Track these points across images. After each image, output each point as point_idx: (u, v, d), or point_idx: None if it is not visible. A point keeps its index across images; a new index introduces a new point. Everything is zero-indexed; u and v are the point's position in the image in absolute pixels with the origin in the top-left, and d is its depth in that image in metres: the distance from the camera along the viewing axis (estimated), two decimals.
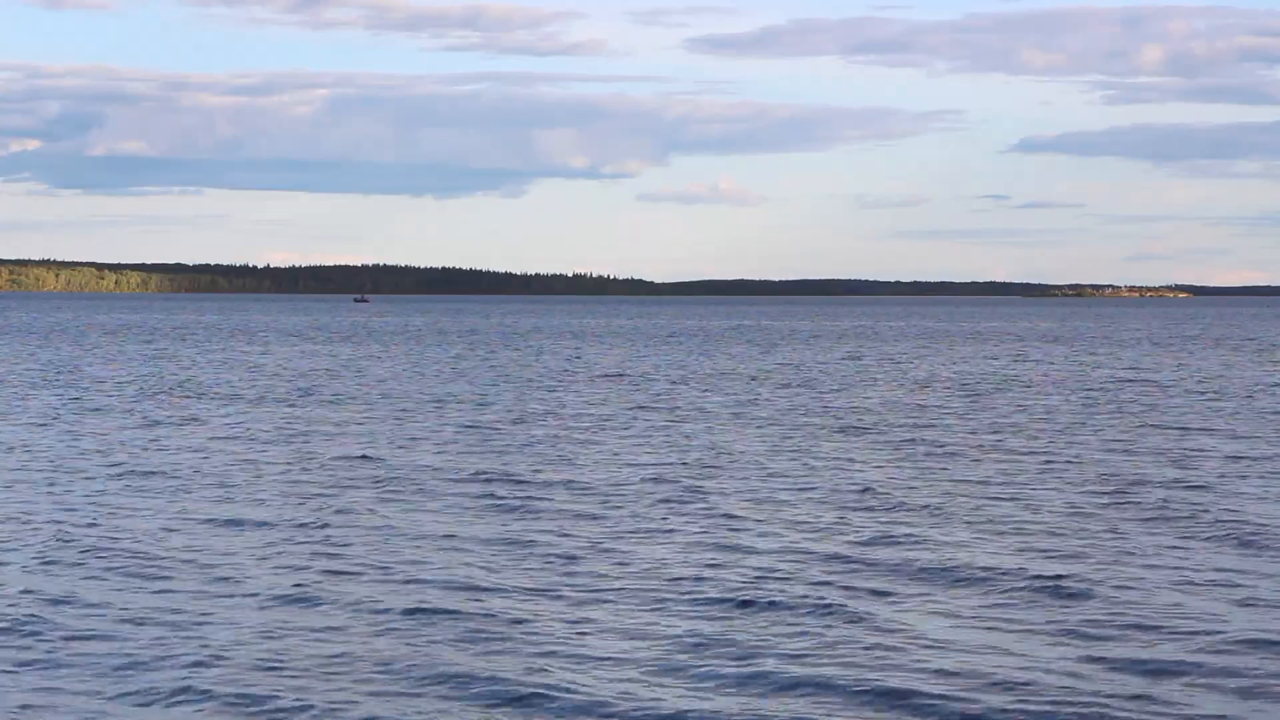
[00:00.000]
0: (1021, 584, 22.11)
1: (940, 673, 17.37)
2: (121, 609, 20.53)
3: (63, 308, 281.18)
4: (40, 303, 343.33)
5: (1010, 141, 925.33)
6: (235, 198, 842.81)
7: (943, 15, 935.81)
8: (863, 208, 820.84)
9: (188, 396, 59.55)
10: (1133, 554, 24.55)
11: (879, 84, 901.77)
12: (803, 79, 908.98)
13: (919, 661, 17.89)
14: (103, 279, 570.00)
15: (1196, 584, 22.21)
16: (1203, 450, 40.13)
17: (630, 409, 54.06)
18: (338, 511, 28.97)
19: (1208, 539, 26.08)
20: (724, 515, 28.59)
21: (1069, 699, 16.42)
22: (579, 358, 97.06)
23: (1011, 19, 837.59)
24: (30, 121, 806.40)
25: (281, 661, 17.92)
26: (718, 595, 21.42)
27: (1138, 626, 19.52)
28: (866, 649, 18.45)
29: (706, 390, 64.85)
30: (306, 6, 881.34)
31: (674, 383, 70.20)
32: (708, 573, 22.97)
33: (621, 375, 76.87)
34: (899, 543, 25.57)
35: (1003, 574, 22.76)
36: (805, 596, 21.19)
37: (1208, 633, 19.21)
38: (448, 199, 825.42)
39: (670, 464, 36.92)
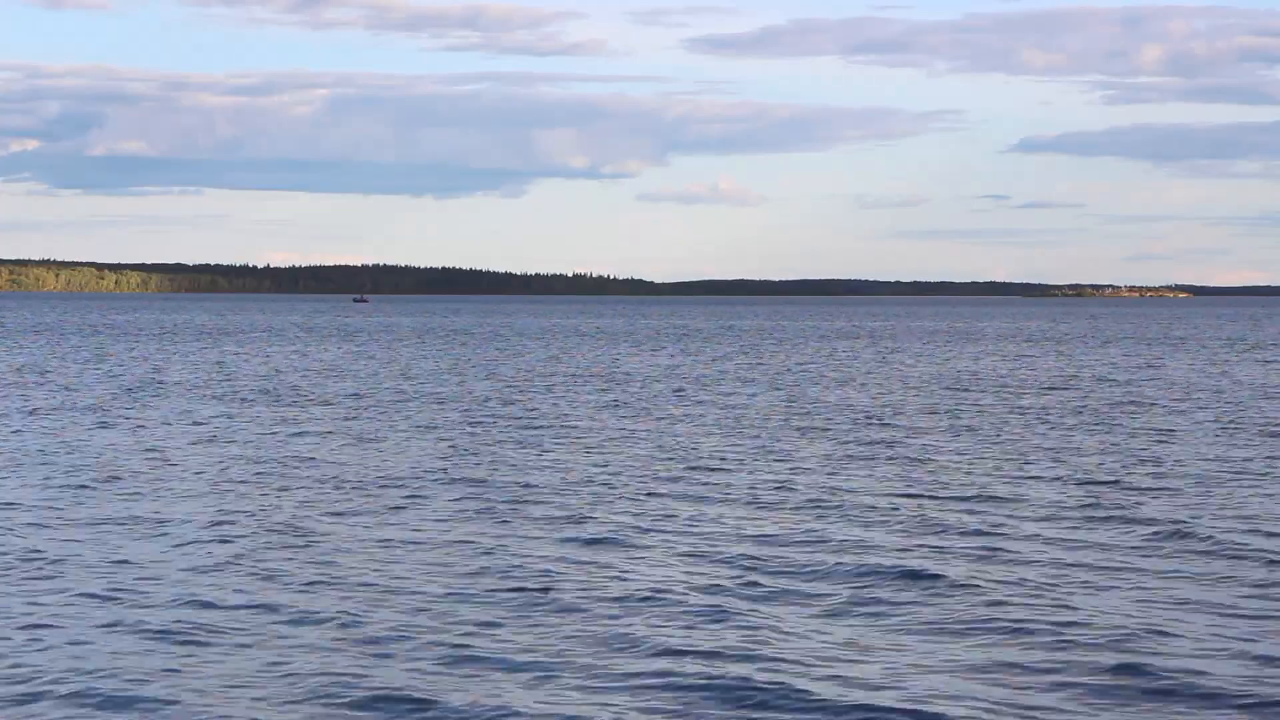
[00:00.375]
0: (943, 586, 21.99)
1: (837, 678, 17.26)
2: (23, 615, 20.32)
3: (57, 308, 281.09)
4: (39, 303, 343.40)
5: (1010, 141, 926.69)
6: (235, 198, 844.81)
7: (943, 15, 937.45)
8: (863, 208, 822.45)
9: (145, 396, 59.38)
10: (1058, 555, 24.43)
11: (879, 84, 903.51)
12: (803, 79, 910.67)
13: (818, 664, 17.76)
14: (103, 279, 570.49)
15: (1112, 585, 22.10)
16: (1147, 451, 40.03)
17: (599, 409, 53.89)
18: (264, 514, 28.78)
19: (1137, 539, 25.96)
20: (663, 517, 28.46)
21: (980, 705, 16.34)
22: (558, 358, 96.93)
23: (1011, 19, 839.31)
24: (30, 121, 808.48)
25: (182, 672, 17.71)
26: (622, 594, 21.34)
27: (1046, 625, 19.42)
28: (767, 651, 18.33)
29: (678, 390, 64.73)
30: (306, 6, 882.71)
31: (644, 383, 70.09)
32: (623, 573, 22.85)
33: (594, 375, 76.75)
34: (828, 545, 25.39)
35: (929, 577, 22.61)
36: (717, 599, 21.09)
37: (1116, 629, 19.12)
38: (448, 199, 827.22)
39: (618, 465, 36.77)
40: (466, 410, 53.30)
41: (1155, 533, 26.61)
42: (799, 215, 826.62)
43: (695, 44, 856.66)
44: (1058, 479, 34.13)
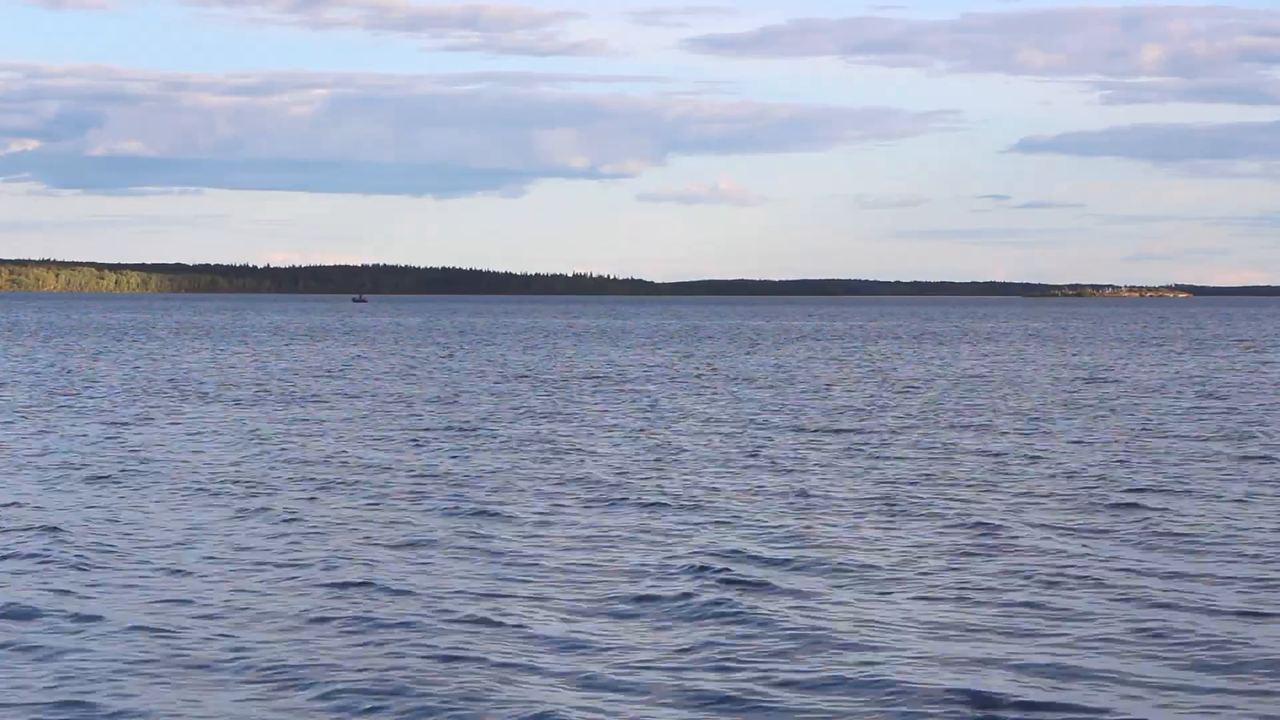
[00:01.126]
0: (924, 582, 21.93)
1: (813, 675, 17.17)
2: None
3: (44, 308, 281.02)
4: (37, 302, 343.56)
5: (1010, 141, 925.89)
6: (235, 198, 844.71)
7: (942, 15, 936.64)
8: (863, 208, 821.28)
9: (62, 396, 59.31)
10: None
11: (879, 84, 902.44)
12: (803, 79, 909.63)
13: (781, 663, 17.63)
14: (103, 279, 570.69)
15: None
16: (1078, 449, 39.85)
17: (523, 409, 53.68)
18: (99, 513, 28.59)
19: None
20: (579, 519, 28.22)
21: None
22: (500, 360, 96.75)
23: (1011, 19, 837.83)
24: (30, 121, 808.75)
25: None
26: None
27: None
28: (733, 649, 18.31)
29: (631, 391, 64.58)
30: (306, 6, 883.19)
31: (584, 382, 69.89)
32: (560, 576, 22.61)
33: (527, 376, 76.57)
34: (791, 541, 25.43)
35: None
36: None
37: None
38: (448, 199, 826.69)
39: (537, 466, 36.49)
40: (383, 410, 53.11)
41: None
42: (799, 215, 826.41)
43: (695, 44, 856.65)
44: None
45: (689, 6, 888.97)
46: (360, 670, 17.49)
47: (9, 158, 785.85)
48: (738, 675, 17.36)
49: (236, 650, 18.39)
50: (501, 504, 29.95)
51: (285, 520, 27.97)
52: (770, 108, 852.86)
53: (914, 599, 21.30)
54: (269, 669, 17.62)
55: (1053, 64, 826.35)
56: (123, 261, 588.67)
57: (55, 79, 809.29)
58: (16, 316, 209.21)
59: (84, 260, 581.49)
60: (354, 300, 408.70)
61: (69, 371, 77.80)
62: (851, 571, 23.16)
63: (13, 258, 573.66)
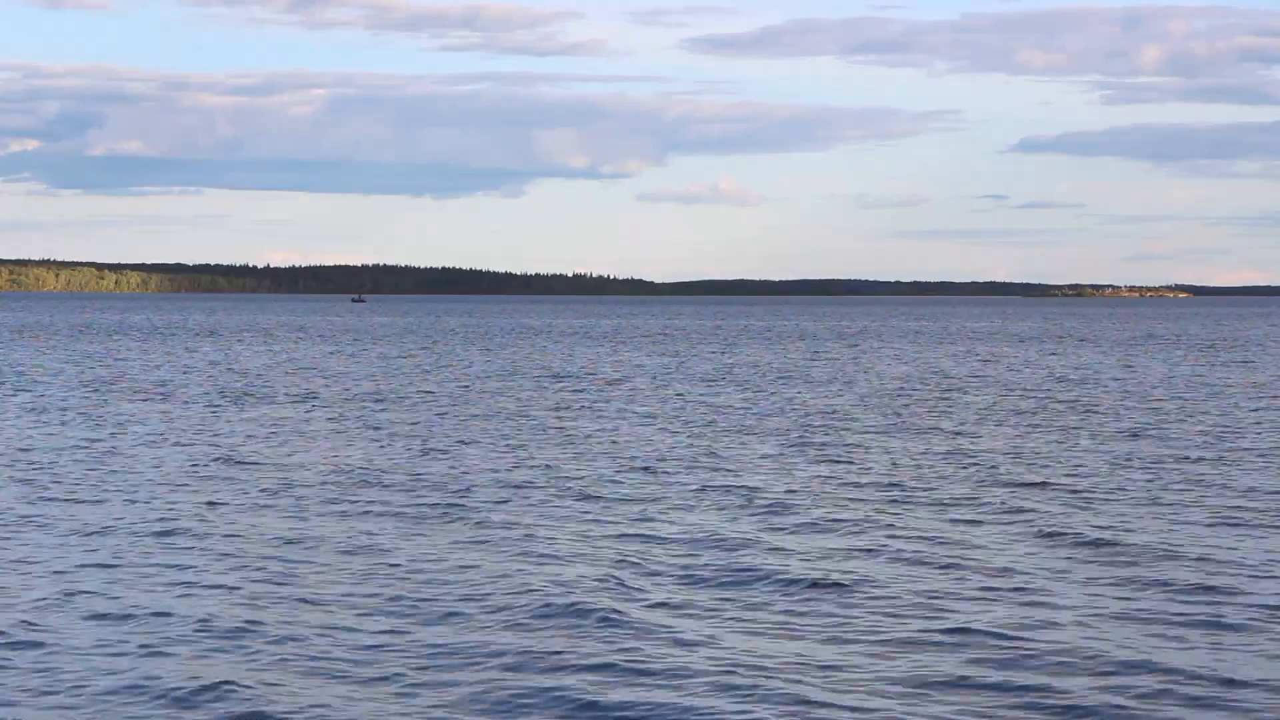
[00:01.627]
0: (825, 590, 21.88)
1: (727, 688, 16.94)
2: None
3: (35, 309, 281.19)
4: (37, 303, 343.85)
5: (1010, 141, 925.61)
6: (235, 198, 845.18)
7: (942, 15, 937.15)
8: (863, 208, 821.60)
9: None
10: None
11: (879, 84, 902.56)
12: (803, 79, 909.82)
13: (705, 673, 17.49)
14: (103, 279, 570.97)
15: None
16: (1058, 453, 39.68)
17: (496, 411, 53.59)
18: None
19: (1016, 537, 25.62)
20: (534, 521, 28.11)
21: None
22: (470, 360, 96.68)
23: (1011, 19, 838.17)
24: (30, 121, 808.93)
25: None
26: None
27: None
28: (655, 660, 18.11)
29: (597, 391, 64.48)
30: (306, 6, 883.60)
31: (550, 382, 69.81)
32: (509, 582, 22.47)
33: (491, 377, 76.45)
34: (729, 547, 25.29)
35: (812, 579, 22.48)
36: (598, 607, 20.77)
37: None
38: (448, 199, 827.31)
39: (500, 466, 36.34)
40: (338, 410, 53.04)
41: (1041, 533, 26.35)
42: (799, 215, 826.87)
43: (695, 44, 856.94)
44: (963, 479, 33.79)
45: (689, 6, 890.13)
46: (251, 681, 17.25)
47: (9, 158, 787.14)
48: (619, 683, 17.24)
49: (116, 655, 18.24)
50: (424, 507, 29.77)
51: (195, 521, 27.77)
52: (770, 108, 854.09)
53: (807, 602, 21.19)
54: (151, 677, 17.42)
55: (1053, 64, 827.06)
56: (123, 261, 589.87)
57: (55, 79, 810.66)
58: (7, 316, 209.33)
59: (84, 260, 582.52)
60: (353, 300, 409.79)
61: (17, 368, 77.72)
62: (757, 577, 22.95)
63: (13, 258, 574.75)
